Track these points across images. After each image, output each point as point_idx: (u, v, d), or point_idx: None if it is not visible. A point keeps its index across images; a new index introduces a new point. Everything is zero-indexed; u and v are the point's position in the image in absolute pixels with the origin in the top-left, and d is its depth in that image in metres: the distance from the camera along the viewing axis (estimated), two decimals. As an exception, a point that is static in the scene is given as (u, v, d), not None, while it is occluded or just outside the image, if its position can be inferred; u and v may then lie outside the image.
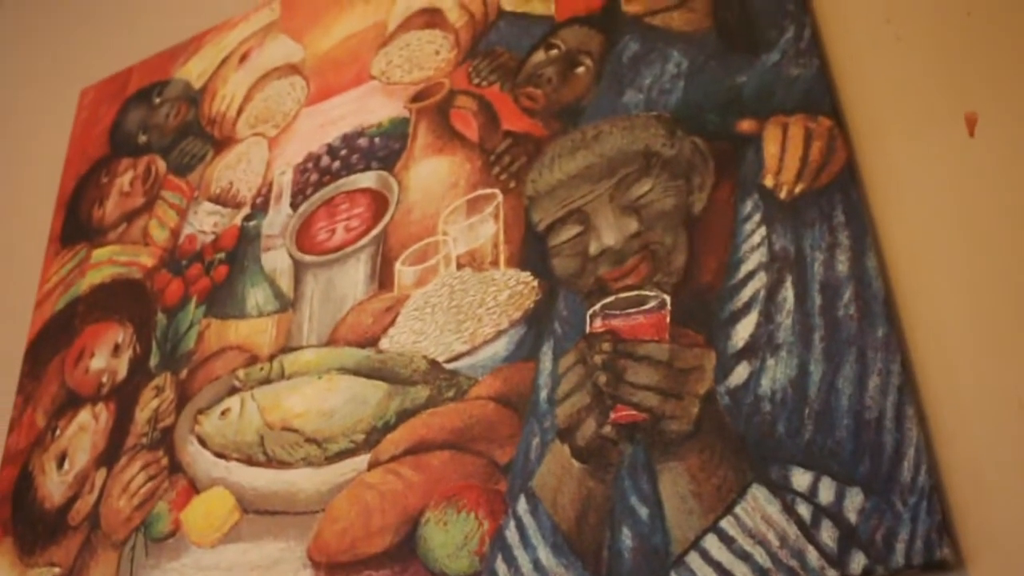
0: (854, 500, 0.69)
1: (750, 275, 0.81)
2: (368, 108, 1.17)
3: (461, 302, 0.96)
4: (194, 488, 1.01)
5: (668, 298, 0.83)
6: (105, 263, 1.28)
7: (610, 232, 0.89)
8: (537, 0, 1.10)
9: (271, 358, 1.05)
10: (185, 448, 1.04)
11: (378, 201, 1.09)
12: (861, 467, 0.70)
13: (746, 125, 0.89)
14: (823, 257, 0.79)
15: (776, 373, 0.76)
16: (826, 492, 0.70)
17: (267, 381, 1.03)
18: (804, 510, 0.70)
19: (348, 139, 1.16)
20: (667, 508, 0.75)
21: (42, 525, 1.10)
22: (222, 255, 1.17)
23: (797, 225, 0.82)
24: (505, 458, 0.85)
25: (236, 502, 0.97)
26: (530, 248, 0.95)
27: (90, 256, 1.30)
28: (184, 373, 1.10)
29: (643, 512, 0.76)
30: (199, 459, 1.02)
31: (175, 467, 1.04)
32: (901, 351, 0.73)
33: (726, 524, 0.72)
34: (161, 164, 1.31)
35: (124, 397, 1.13)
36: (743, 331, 0.79)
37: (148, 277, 1.22)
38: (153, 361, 1.14)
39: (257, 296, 1.11)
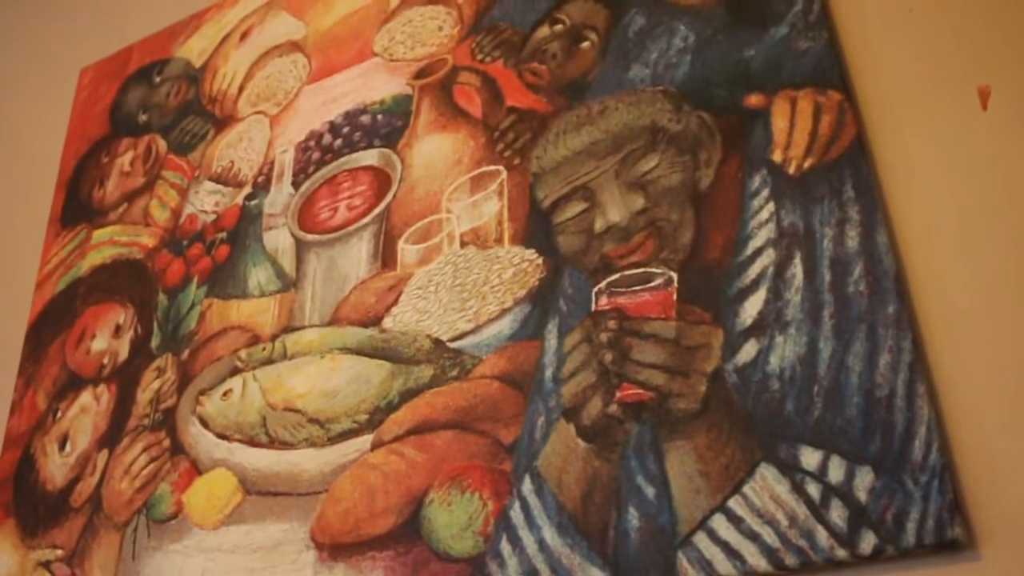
0: (864, 479, 0.69)
1: (758, 251, 0.81)
2: (370, 85, 1.16)
3: (465, 280, 0.95)
4: (196, 469, 1.01)
5: (675, 275, 0.83)
6: (106, 244, 1.27)
7: (616, 209, 0.88)
8: (542, -26, 1.09)
9: (273, 338, 1.05)
10: (187, 429, 1.04)
11: (381, 179, 1.08)
12: (871, 446, 0.69)
13: (754, 99, 0.88)
14: (833, 233, 0.78)
15: (785, 351, 0.76)
16: (836, 471, 0.70)
17: (269, 361, 1.03)
18: (813, 489, 0.70)
19: (350, 117, 1.15)
20: (674, 487, 0.75)
21: (44, 507, 1.10)
22: (223, 235, 1.17)
23: (806, 201, 0.81)
24: (510, 438, 0.85)
25: (238, 483, 0.97)
26: (535, 225, 0.94)
27: (91, 237, 1.30)
28: (186, 354, 1.10)
29: (650, 491, 0.76)
30: (201, 440, 1.02)
31: (177, 448, 1.04)
32: (912, 328, 0.73)
33: (734, 504, 0.72)
34: (162, 143, 1.31)
35: (125, 378, 1.13)
36: (751, 308, 0.79)
37: (149, 257, 1.22)
38: (154, 342, 1.14)
39: (259, 276, 1.11)
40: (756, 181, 0.84)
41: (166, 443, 1.05)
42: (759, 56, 0.89)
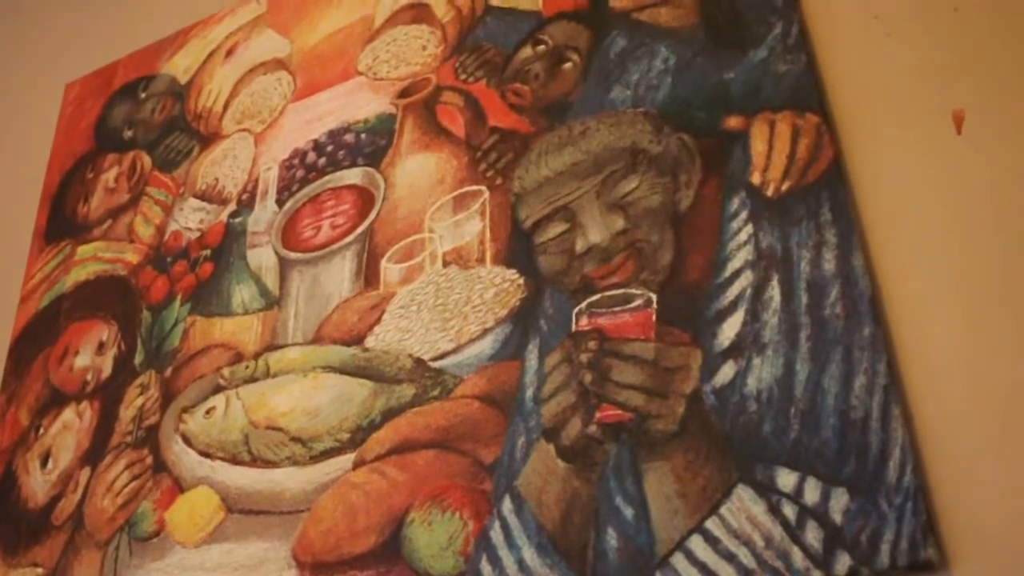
0: (839, 500, 0.69)
1: (736, 273, 0.81)
2: (355, 104, 1.16)
3: (447, 300, 0.96)
4: (179, 487, 1.00)
5: (654, 296, 0.83)
6: (90, 260, 1.27)
7: (596, 230, 0.89)
8: (525, -5, 1.10)
9: (256, 356, 1.05)
10: (170, 447, 1.03)
11: (364, 198, 1.08)
12: (846, 467, 0.70)
13: (733, 122, 0.88)
14: (810, 255, 0.79)
15: (762, 372, 0.76)
16: (811, 492, 0.70)
17: (252, 379, 1.03)
18: (789, 510, 0.70)
19: (334, 135, 1.15)
20: (652, 508, 0.75)
21: (25, 525, 1.09)
22: (208, 252, 1.17)
23: (784, 223, 0.81)
24: (490, 457, 0.85)
25: (221, 501, 0.97)
26: (516, 245, 0.94)
27: (75, 253, 1.29)
28: (169, 371, 1.10)
29: (628, 512, 0.76)
30: (184, 458, 1.01)
31: (160, 466, 1.03)
32: (887, 350, 0.73)
33: (711, 524, 0.72)
34: (147, 160, 1.30)
35: (109, 395, 1.13)
36: (729, 330, 0.79)
37: (133, 274, 1.21)
38: (138, 359, 1.13)
39: (243, 293, 1.11)
40: (735, 203, 0.84)
41: (149, 461, 1.04)
42: (738, 79, 0.90)
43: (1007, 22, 0.83)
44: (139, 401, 1.09)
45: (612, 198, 0.90)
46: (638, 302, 0.83)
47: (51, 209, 1.36)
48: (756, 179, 0.84)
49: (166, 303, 1.16)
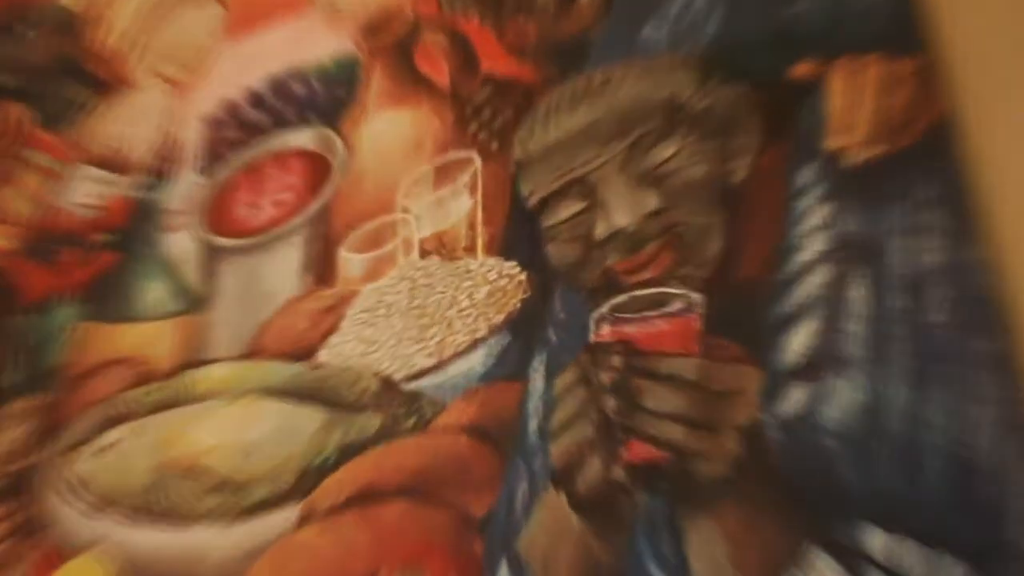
0: (947, 571, 0.67)
1: (808, 268, 0.80)
2: (306, 43, 1.18)
3: (425, 301, 0.97)
4: (62, 553, 0.99)
5: (699, 297, 0.81)
6: (-56, 246, 1.29)
7: (622, 209, 0.88)
8: (529, -97, 1.11)
9: (171, 375, 1.06)
10: (50, 498, 1.03)
11: (317, 167, 1.10)
12: (958, 527, 0.68)
13: (803, 69, 0.87)
14: (906, 244, 0.78)
15: (843, 399, 0.75)
16: (910, 560, 0.68)
17: (165, 406, 1.03)
18: (881, 584, 0.68)
19: (278, 84, 1.18)
20: (697, 579, 0.73)
21: None
22: (108, 236, 1.18)
23: (871, 202, 0.80)
24: (482, 510, 0.85)
25: (118, 572, 0.95)
26: (517, 230, 0.96)
27: (-76, 237, 1.30)
28: (52, 395, 1.10)
29: (665, 584, 0.74)
30: (69, 513, 1.01)
31: (35, 525, 1.02)
32: (1014, 372, 0.71)
33: (777, 602, 0.71)
34: (26, 114, 1.32)
35: (-32, 428, 1.13)
36: (798, 342, 0.78)
37: (4, 265, 1.21)
38: (9, 380, 1.13)
39: (154, 291, 1.12)
40: (805, 176, 0.84)
41: (19, 518, 1.04)
42: (811, 13, 0.89)
43: None
44: (9, 436, 1.09)
45: (643, 168, 0.89)
46: (677, 305, 0.81)
47: None
48: (833, 144, 0.83)
49: (49, 304, 1.16)
